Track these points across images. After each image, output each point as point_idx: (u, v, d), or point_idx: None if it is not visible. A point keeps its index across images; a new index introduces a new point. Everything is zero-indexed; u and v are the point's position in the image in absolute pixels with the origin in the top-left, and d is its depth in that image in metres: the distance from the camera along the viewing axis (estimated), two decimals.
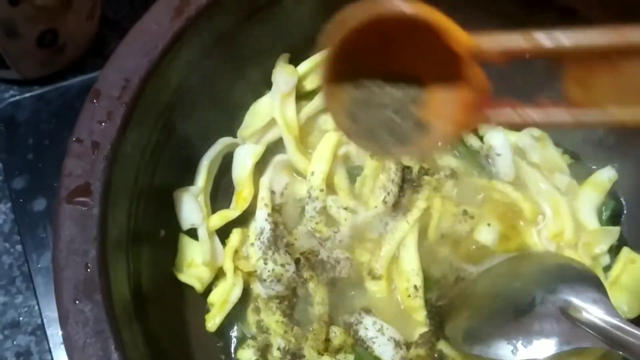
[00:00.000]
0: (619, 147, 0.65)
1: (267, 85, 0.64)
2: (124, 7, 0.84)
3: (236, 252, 0.60)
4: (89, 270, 0.44)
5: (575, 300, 0.53)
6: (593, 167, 0.67)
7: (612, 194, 0.65)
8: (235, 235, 0.61)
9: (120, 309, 0.45)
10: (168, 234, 0.59)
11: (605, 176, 0.65)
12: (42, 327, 0.65)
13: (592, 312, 0.52)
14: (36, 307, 0.66)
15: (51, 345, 0.63)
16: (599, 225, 0.64)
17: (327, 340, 0.55)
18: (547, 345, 0.52)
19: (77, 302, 0.43)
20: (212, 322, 0.57)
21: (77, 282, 0.44)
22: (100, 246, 0.45)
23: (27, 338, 0.66)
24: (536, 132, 0.65)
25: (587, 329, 0.51)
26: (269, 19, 0.61)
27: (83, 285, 0.44)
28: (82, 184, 0.47)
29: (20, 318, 0.67)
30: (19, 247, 0.69)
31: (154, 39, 0.51)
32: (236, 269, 0.60)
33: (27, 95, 0.78)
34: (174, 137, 0.58)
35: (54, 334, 0.64)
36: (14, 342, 0.66)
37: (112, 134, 0.48)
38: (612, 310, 0.52)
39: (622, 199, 0.65)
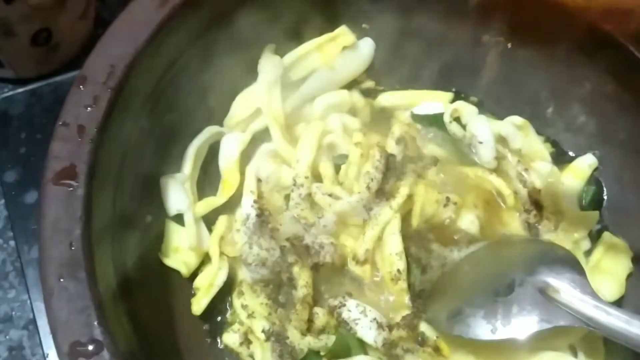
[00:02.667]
0: (600, 134, 0.66)
1: (253, 75, 0.65)
2: (119, 8, 0.85)
3: (222, 238, 0.61)
4: (73, 248, 0.45)
5: (554, 281, 0.54)
6: (574, 155, 0.68)
7: (593, 179, 0.66)
8: (222, 221, 0.62)
9: (104, 287, 0.46)
10: (155, 220, 0.60)
11: (586, 163, 0.66)
12: (33, 321, 0.65)
13: (569, 292, 0.53)
14: (28, 301, 0.66)
15: (42, 338, 0.64)
16: (579, 210, 0.64)
17: (311, 321, 0.56)
18: (527, 325, 0.53)
19: (61, 279, 0.44)
20: (198, 305, 0.58)
21: (61, 260, 0.45)
22: (85, 226, 0.46)
23: (20, 332, 0.67)
24: (518, 120, 0.66)
25: (565, 309, 0.52)
26: (255, 9, 0.62)
27: (67, 263, 0.45)
28: (68, 166, 0.48)
29: (13, 312, 0.68)
30: (12, 242, 0.70)
31: (139, 27, 0.53)
32: (222, 254, 0.60)
33: (21, 90, 0.79)
34: (160, 125, 0.58)
35: (44, 324, 0.63)
36: (7, 337, 0.66)
37: (98, 117, 0.49)
38: (589, 290, 0.53)
39: (603, 185, 0.66)
